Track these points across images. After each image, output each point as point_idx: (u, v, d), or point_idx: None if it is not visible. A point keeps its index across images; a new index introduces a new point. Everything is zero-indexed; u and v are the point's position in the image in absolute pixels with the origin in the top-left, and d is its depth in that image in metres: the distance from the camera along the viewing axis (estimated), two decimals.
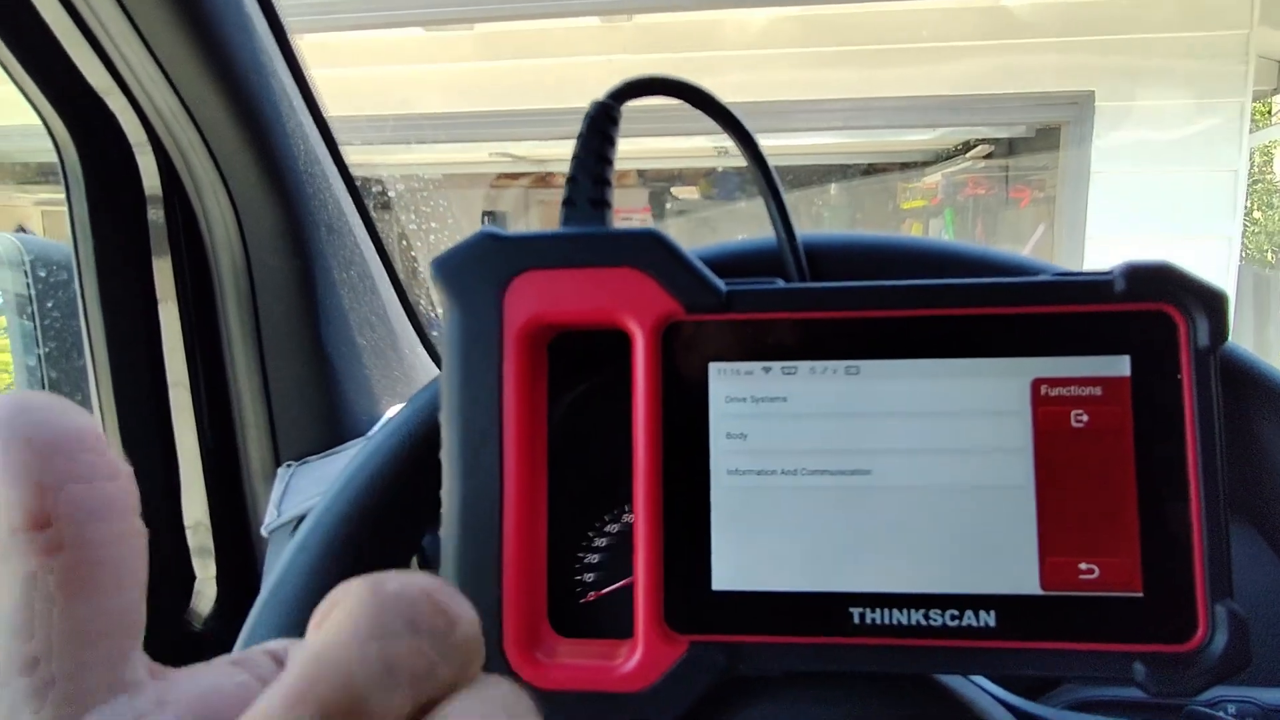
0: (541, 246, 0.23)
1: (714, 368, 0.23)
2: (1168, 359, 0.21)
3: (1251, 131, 2.46)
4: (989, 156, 2.88)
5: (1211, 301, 0.21)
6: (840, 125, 2.58)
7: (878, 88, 2.45)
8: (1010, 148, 2.86)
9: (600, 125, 0.24)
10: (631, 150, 2.95)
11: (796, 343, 0.22)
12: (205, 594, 0.57)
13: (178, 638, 0.55)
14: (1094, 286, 0.22)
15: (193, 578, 0.56)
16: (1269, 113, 3.12)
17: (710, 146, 2.86)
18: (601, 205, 0.24)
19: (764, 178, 0.26)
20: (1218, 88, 2.34)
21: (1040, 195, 2.82)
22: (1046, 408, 0.22)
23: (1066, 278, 0.22)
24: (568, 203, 0.24)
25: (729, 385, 0.23)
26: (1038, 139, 2.69)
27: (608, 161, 0.24)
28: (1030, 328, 0.22)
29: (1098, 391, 0.21)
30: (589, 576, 0.44)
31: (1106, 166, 2.42)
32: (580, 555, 0.44)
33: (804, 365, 0.22)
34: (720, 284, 0.23)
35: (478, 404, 0.23)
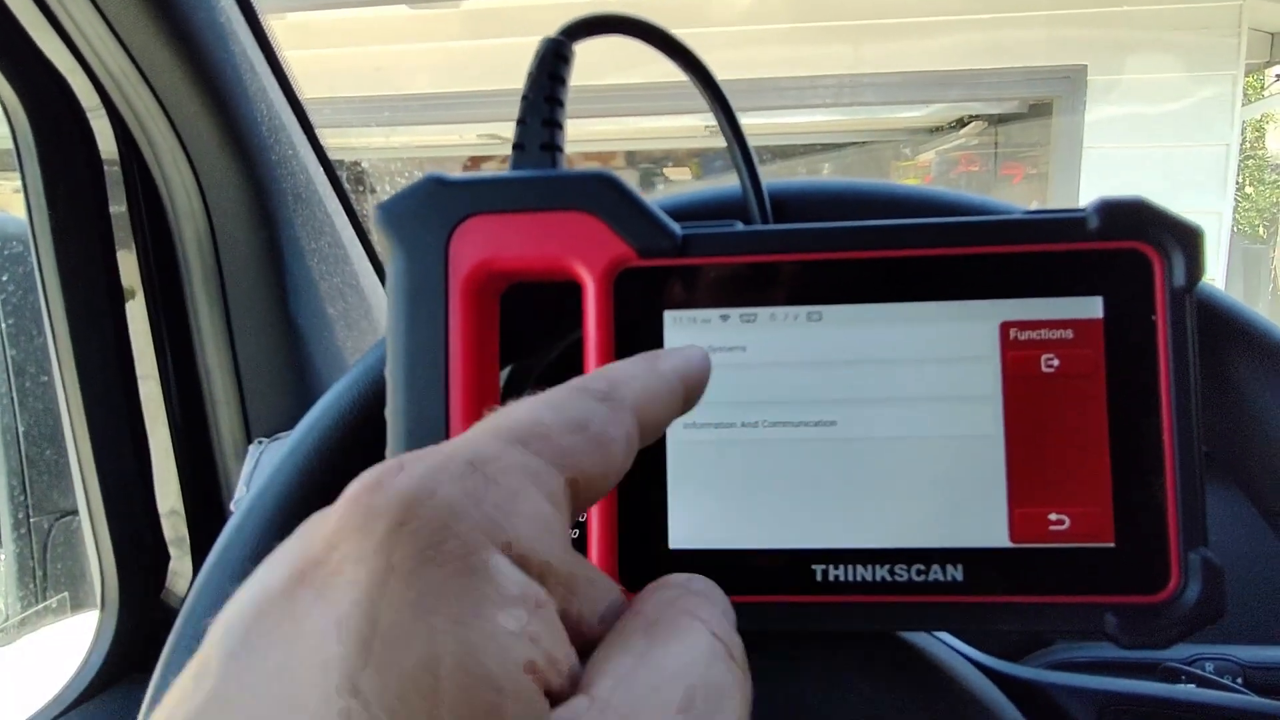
0: (488, 190, 0.22)
1: (669, 316, 0.22)
2: (1142, 299, 0.20)
3: (1243, 105, 2.45)
4: (982, 133, 2.87)
5: (1187, 238, 0.20)
6: (831, 102, 2.56)
7: (868, 64, 2.43)
8: (1002, 123, 2.84)
9: (550, 64, 0.23)
10: (619, 131, 2.92)
11: (756, 288, 0.21)
12: (180, 574, 0.56)
13: (153, 618, 0.55)
14: (1066, 225, 0.21)
15: (167, 559, 0.55)
16: (1261, 87, 3.10)
17: (700, 126, 2.83)
18: (552, 149, 0.23)
19: (726, 117, 0.25)
20: (1210, 60, 2.32)
21: (1033, 171, 2.80)
22: (1015, 352, 0.21)
23: (1037, 215, 0.21)
24: (517, 147, 0.23)
25: (685, 334, 0.22)
26: (1030, 114, 2.67)
27: (559, 103, 0.23)
28: (998, 268, 0.21)
29: (1069, 334, 0.20)
30: None
31: (1098, 141, 2.41)
32: None
33: (764, 312, 0.21)
34: (675, 227, 0.22)
35: (422, 355, 0.22)
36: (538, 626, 0.10)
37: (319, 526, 0.10)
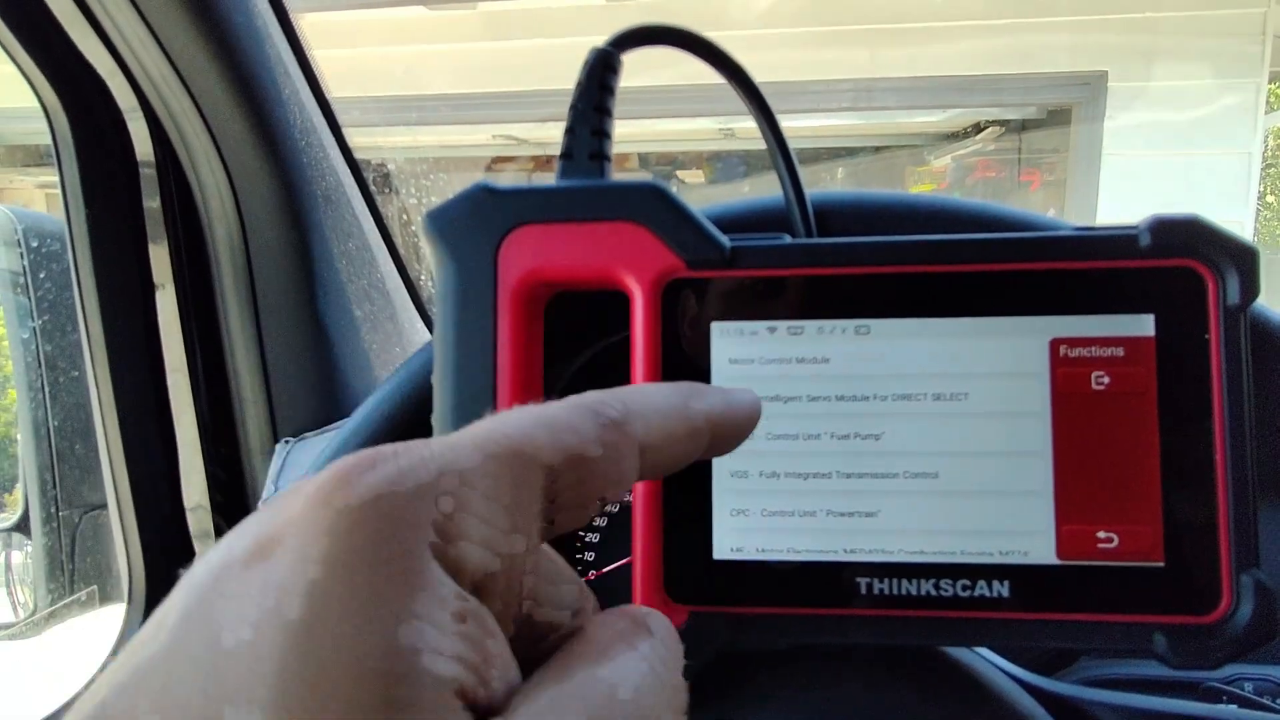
0: (537, 200, 0.22)
1: (716, 327, 0.22)
2: (1195, 318, 0.20)
3: (1266, 113, 2.42)
4: (1000, 139, 2.85)
5: (1242, 257, 0.20)
6: (848, 106, 2.55)
7: (886, 68, 2.42)
8: (1021, 130, 2.82)
9: (599, 74, 0.23)
10: (633, 133, 2.92)
11: (803, 301, 0.21)
12: None
13: None
14: (1118, 241, 0.21)
15: (192, 555, 0.56)
16: None
17: (714, 128, 2.82)
18: (600, 158, 0.23)
19: (772, 132, 0.25)
20: (1233, 68, 2.30)
21: (1050, 178, 2.78)
22: (1066, 369, 0.21)
23: (1088, 232, 0.21)
24: (565, 155, 0.23)
25: (732, 346, 0.22)
26: (1049, 120, 2.65)
27: (607, 113, 0.23)
28: (1050, 285, 0.21)
29: (1120, 352, 0.20)
30: (589, 555, 0.44)
31: (1118, 149, 2.39)
32: (580, 533, 0.44)
33: (811, 325, 0.21)
34: (724, 239, 0.22)
35: (470, 364, 0.22)
36: (464, 641, 0.10)
37: (287, 504, 0.11)
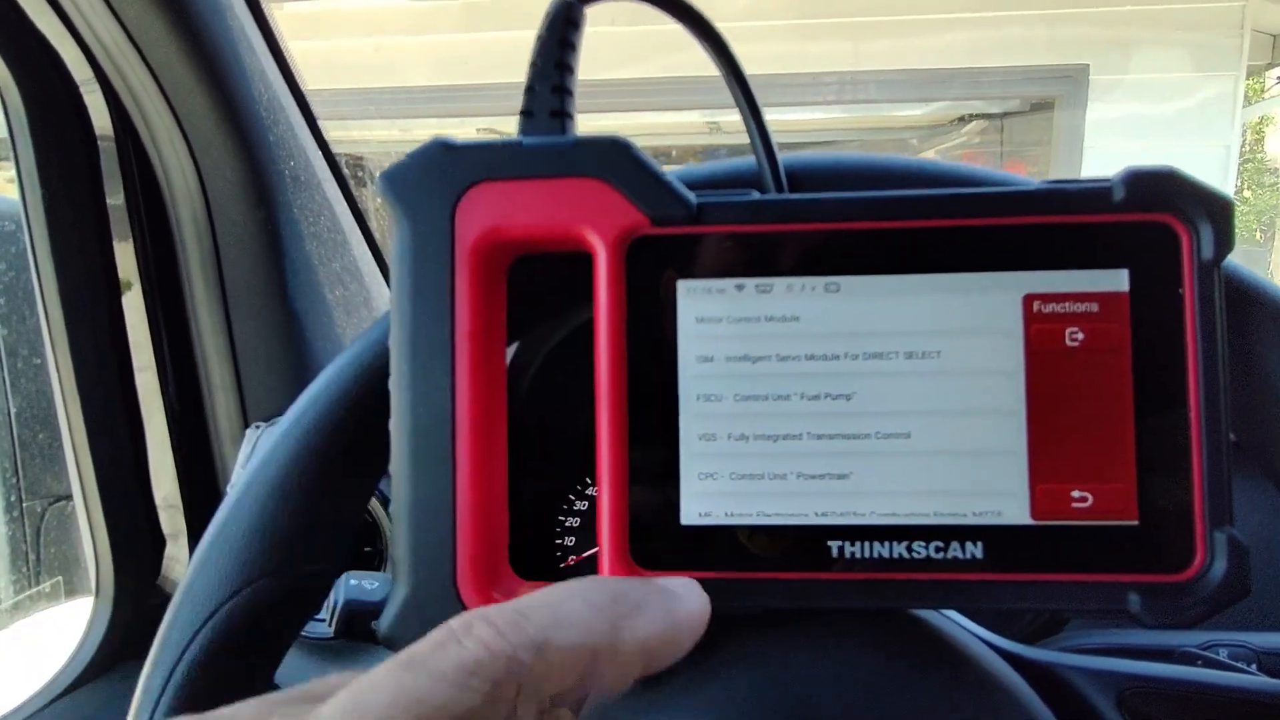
0: (497, 156, 0.21)
1: (683, 285, 0.21)
2: (1169, 272, 0.20)
3: (1244, 106, 2.45)
4: (984, 132, 2.86)
5: (1216, 209, 0.20)
6: (832, 100, 2.56)
7: (870, 61, 2.42)
8: (1003, 118, 2.84)
9: (560, 28, 0.22)
10: (621, 126, 2.91)
11: (772, 258, 0.21)
12: (177, 559, 0.55)
13: (149, 604, 0.54)
14: (1092, 196, 0.20)
15: (163, 544, 0.55)
16: (1261, 89, 3.11)
17: (702, 122, 2.82)
18: (562, 116, 0.22)
19: (739, 87, 0.24)
20: (1212, 61, 2.32)
21: (1034, 170, 2.80)
22: (1039, 325, 0.20)
23: (1062, 186, 0.20)
24: (525, 114, 0.22)
25: (700, 304, 0.21)
26: (1031, 112, 2.67)
27: (569, 69, 0.22)
28: (1022, 240, 0.20)
29: (1094, 308, 0.20)
30: (569, 540, 0.43)
31: (1099, 141, 2.41)
32: (561, 519, 0.43)
33: (780, 282, 0.21)
34: (690, 195, 0.21)
35: (427, 328, 0.21)
36: None
37: None
